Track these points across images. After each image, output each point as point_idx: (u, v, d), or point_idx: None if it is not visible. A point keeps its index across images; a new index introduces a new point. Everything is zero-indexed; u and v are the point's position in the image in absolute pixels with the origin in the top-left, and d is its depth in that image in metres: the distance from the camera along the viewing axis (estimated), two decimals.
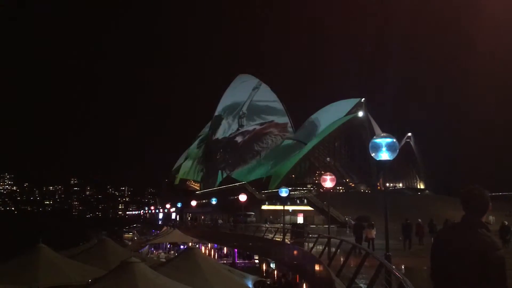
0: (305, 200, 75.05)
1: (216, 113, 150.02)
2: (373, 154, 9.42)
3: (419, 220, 26.50)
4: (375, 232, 21.77)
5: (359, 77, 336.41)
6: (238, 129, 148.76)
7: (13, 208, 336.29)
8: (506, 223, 23.37)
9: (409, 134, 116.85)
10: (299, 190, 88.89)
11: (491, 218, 33.60)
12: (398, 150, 9.45)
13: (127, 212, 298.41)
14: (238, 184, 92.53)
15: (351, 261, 12.26)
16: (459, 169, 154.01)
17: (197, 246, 38.92)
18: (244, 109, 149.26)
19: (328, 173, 21.22)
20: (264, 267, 33.82)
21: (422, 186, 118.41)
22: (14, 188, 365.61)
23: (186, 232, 49.10)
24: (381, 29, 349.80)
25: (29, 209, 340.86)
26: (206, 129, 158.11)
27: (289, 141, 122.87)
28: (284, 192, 29.98)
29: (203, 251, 40.95)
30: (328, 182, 20.03)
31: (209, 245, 49.76)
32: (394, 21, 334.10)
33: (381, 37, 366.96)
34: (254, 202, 75.28)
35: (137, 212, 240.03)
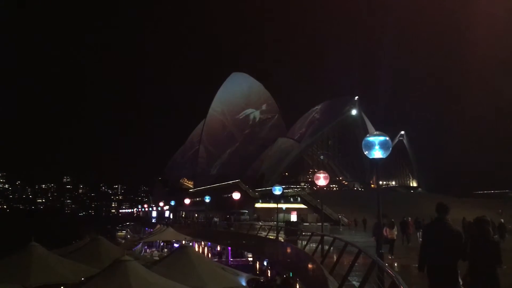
0: (299, 198, 75.24)
1: (210, 111, 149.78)
2: (366, 152, 9.44)
3: (409, 218, 27.08)
4: (396, 232, 19.13)
5: (353, 75, 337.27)
6: (231, 127, 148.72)
7: (5, 207, 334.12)
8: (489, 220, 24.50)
9: (402, 132, 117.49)
10: (293, 188, 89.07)
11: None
12: (391, 149, 9.49)
13: (120, 210, 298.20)
14: (232, 182, 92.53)
15: (344, 259, 12.30)
16: (451, 167, 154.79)
17: (190, 244, 38.90)
18: (237, 107, 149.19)
19: (321, 171, 21.24)
20: (257, 265, 33.87)
21: (414, 184, 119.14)
22: (6, 186, 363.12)
23: (180, 230, 49.03)
24: (375, 28, 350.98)
25: (21, 207, 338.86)
26: (200, 127, 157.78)
27: (283, 139, 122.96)
28: (277, 190, 29.94)
29: (196, 249, 40.95)
30: (322, 180, 20.01)
31: (203, 243, 49.75)
32: (389, 19, 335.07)
33: (375, 35, 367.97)
34: (248, 200, 75.35)
35: (130, 210, 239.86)
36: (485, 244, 6.13)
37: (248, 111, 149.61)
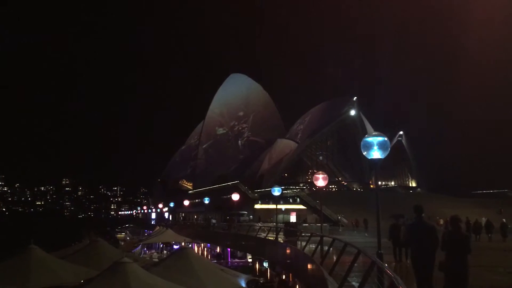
0: (298, 199, 75.20)
1: (209, 113, 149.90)
2: (364, 153, 9.45)
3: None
4: None
5: (352, 76, 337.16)
6: (230, 128, 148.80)
7: (4, 209, 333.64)
8: (481, 219, 30.43)
9: (401, 132, 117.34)
10: (292, 189, 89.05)
11: (483, 219, 34.63)
12: (389, 149, 9.49)
13: (120, 212, 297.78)
14: (231, 183, 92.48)
15: (344, 259, 12.28)
16: (451, 167, 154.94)
17: (190, 246, 38.85)
18: (236, 108, 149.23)
19: (320, 172, 21.23)
20: (257, 266, 33.83)
21: (414, 184, 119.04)
22: (5, 188, 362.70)
23: (179, 231, 48.94)
24: (374, 27, 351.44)
25: (20, 209, 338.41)
26: (198, 129, 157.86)
27: (282, 140, 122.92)
28: (276, 191, 29.89)
29: (196, 251, 40.92)
30: (321, 180, 20.00)
31: (202, 244, 49.68)
32: (388, 19, 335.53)
33: (374, 35, 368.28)
34: (247, 201, 75.34)
35: (129, 212, 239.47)
36: (458, 237, 7.88)
37: (247, 112, 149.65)
